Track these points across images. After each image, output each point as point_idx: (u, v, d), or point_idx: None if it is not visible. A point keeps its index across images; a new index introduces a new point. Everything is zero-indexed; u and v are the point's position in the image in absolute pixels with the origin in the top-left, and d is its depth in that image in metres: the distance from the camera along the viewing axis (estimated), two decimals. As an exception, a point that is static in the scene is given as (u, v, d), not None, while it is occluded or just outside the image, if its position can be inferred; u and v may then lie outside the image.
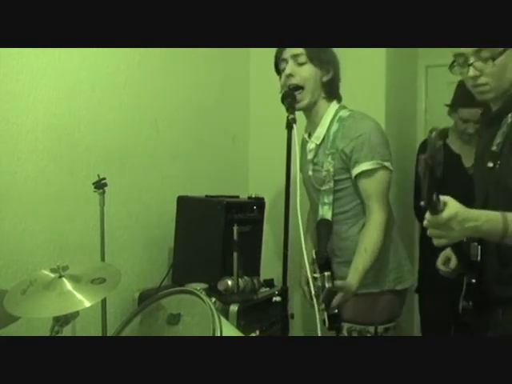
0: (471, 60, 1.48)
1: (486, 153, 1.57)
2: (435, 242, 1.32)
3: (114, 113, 2.27)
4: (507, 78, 1.48)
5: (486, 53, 1.46)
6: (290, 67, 1.94)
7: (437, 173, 1.18)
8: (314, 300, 1.61)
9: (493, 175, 1.53)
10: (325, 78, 1.97)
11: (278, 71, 2.02)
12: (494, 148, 1.52)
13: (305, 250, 1.58)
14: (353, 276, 1.84)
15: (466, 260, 1.59)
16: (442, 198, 1.27)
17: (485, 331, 1.60)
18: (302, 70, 1.94)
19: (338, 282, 1.78)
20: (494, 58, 1.46)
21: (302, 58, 1.93)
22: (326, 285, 1.62)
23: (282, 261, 1.65)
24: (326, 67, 1.96)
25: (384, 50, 2.80)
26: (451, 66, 1.56)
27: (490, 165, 1.53)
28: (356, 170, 1.89)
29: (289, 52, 1.94)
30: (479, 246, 1.55)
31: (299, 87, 1.93)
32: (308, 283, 1.64)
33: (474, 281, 1.57)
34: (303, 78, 1.93)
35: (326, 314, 1.85)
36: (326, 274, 1.63)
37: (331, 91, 2.00)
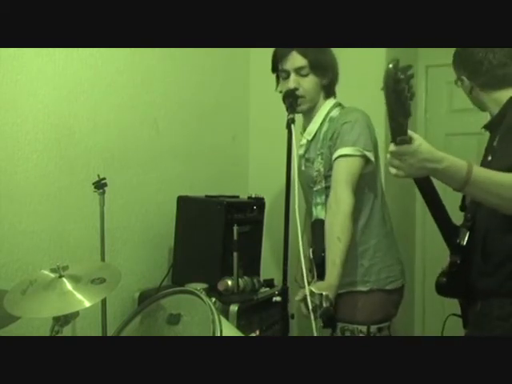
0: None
1: (489, 148, 1.67)
2: (393, 171, 1.32)
3: (114, 113, 2.27)
4: (475, 103, 1.74)
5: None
6: (293, 80, 1.93)
7: (399, 99, 1.19)
8: (312, 315, 1.58)
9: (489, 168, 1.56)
10: (324, 82, 1.98)
11: (275, 71, 2.02)
12: (494, 144, 1.61)
13: (303, 258, 1.57)
14: (331, 271, 1.76)
15: (454, 242, 1.65)
16: (411, 132, 1.28)
17: (466, 325, 1.73)
18: (305, 81, 1.94)
19: (320, 283, 1.75)
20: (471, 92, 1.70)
21: (305, 71, 1.93)
22: (324, 304, 1.59)
23: (282, 261, 1.65)
24: (327, 72, 1.98)
25: (384, 50, 2.80)
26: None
27: (489, 158, 1.62)
28: (335, 155, 1.87)
29: (291, 65, 1.93)
30: (468, 232, 1.62)
31: (301, 96, 1.94)
32: (304, 299, 1.60)
33: (458, 261, 1.64)
34: (306, 90, 1.94)
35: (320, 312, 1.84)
36: (324, 293, 1.59)
37: (329, 91, 2.02)
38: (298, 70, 1.93)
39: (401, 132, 1.26)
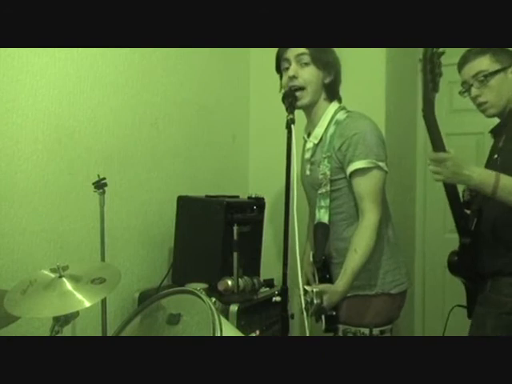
0: (471, 82, 1.84)
1: (495, 149, 1.87)
2: (434, 177, 1.60)
3: (114, 113, 2.27)
4: (503, 95, 1.82)
5: (481, 76, 1.81)
6: (293, 69, 1.92)
7: (433, 71, 1.53)
8: (304, 313, 1.60)
9: (497, 168, 1.74)
10: (326, 80, 1.96)
11: (279, 70, 2.01)
12: (500, 144, 1.83)
13: (298, 259, 1.57)
14: (340, 278, 1.82)
15: (463, 226, 1.86)
16: (447, 147, 1.59)
17: (475, 305, 1.87)
18: (305, 71, 1.92)
19: (322, 286, 1.77)
20: (487, 80, 1.81)
21: (306, 59, 1.91)
22: (315, 301, 1.61)
23: (281, 261, 1.65)
24: (328, 69, 1.96)
25: (384, 50, 2.80)
26: (460, 93, 1.91)
27: (495, 156, 1.83)
28: (350, 168, 1.88)
29: (292, 52, 1.92)
30: (475, 219, 1.85)
31: (301, 88, 1.93)
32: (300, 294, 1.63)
33: (468, 242, 1.85)
34: (306, 80, 1.92)
35: (323, 315, 1.85)
36: (315, 289, 1.62)
37: (332, 92, 2.00)
38: (298, 58, 1.92)
39: (436, 141, 1.58)
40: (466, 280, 1.95)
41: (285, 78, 1.96)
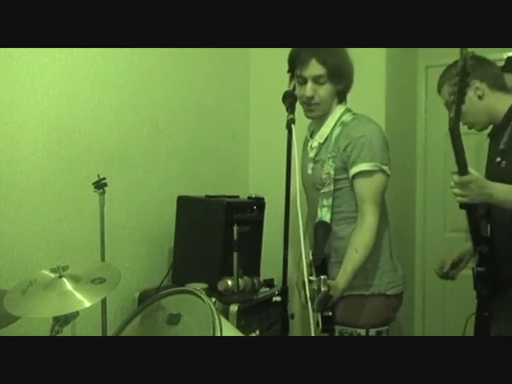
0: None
1: (495, 151, 1.86)
2: (458, 199, 1.60)
3: (114, 113, 2.27)
4: (478, 113, 1.87)
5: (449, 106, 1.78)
6: (310, 89, 1.94)
7: (467, 75, 1.51)
8: (309, 303, 1.60)
9: (501, 170, 1.75)
10: (339, 88, 1.99)
11: (291, 71, 2.02)
12: (501, 147, 1.82)
13: (304, 253, 1.58)
14: (341, 275, 1.84)
15: (478, 235, 1.82)
16: (469, 168, 1.58)
17: (495, 313, 1.81)
18: (322, 90, 1.95)
19: (329, 280, 1.77)
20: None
21: (323, 79, 1.94)
22: (322, 288, 1.61)
23: (282, 261, 1.65)
24: (343, 80, 1.98)
25: (384, 50, 2.80)
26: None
27: (498, 159, 1.82)
28: (354, 170, 1.90)
29: (309, 73, 1.93)
30: (489, 224, 1.81)
31: (316, 104, 1.96)
32: (304, 286, 1.63)
33: (486, 249, 1.80)
34: (321, 98, 1.96)
35: (319, 316, 1.85)
36: (322, 277, 1.62)
37: (342, 97, 2.03)
38: (315, 79, 1.94)
39: (461, 165, 1.56)
40: (484, 287, 1.89)
41: (300, 90, 1.96)
